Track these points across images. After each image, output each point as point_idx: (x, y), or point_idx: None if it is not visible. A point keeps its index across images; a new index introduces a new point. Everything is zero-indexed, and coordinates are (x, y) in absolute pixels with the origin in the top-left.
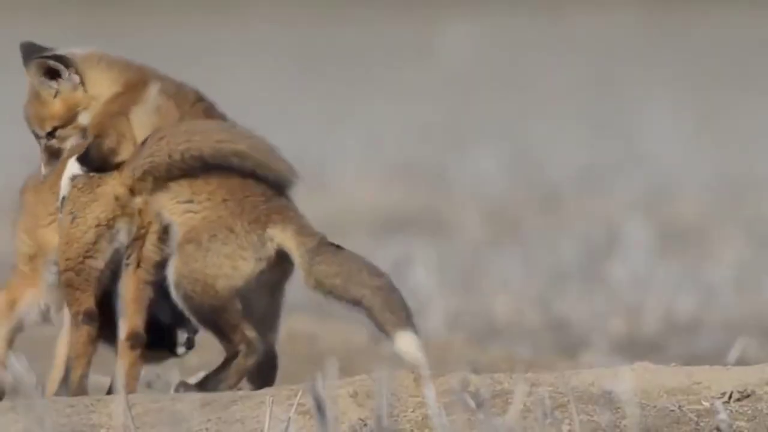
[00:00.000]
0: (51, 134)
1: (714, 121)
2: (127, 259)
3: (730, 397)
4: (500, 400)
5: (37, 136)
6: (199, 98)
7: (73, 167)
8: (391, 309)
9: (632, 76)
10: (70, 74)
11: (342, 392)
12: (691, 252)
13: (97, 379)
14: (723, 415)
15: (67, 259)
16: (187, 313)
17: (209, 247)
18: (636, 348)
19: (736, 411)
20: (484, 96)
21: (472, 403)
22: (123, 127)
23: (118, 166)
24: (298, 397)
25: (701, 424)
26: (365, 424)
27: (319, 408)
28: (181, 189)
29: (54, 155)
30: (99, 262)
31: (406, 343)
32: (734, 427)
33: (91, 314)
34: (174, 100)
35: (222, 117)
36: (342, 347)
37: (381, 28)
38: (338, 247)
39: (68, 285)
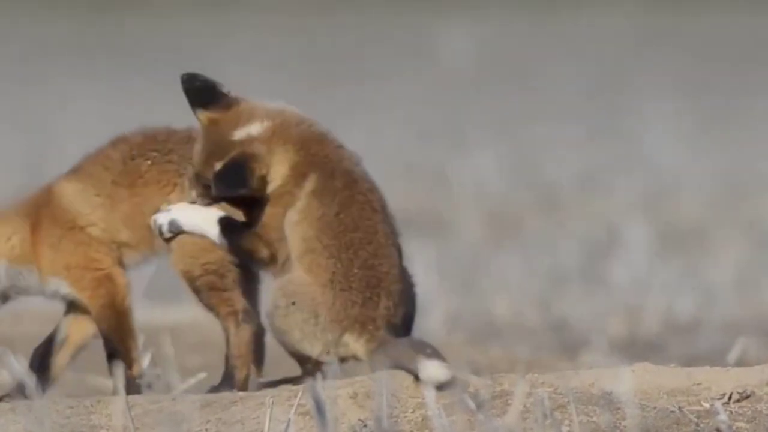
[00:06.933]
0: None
1: (714, 121)
2: None
3: (730, 398)
4: (500, 401)
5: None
6: (352, 180)
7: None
8: (416, 349)
9: (632, 76)
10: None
11: (342, 393)
12: (691, 252)
13: (97, 379)
14: (723, 416)
15: (204, 264)
16: None
17: (289, 312)
18: (636, 348)
19: (736, 412)
20: (484, 96)
21: (472, 404)
22: (275, 236)
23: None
24: (298, 397)
25: (701, 425)
26: (365, 425)
27: (319, 409)
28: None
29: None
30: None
31: (428, 370)
32: (734, 428)
33: (248, 312)
34: (318, 198)
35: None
36: None
37: (381, 28)
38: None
39: (211, 288)
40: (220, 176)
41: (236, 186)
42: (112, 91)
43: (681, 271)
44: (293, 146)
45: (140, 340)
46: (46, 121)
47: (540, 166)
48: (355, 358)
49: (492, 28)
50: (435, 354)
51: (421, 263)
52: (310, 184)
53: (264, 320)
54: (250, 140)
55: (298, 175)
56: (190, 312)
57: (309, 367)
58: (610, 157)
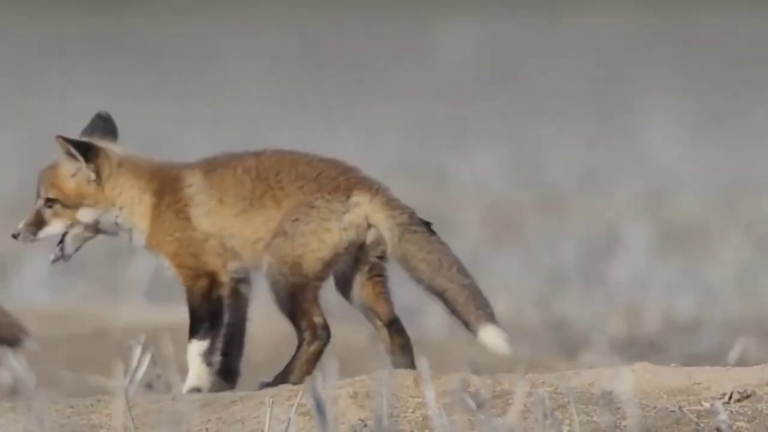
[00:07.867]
0: (49, 202)
1: (714, 121)
2: None
3: (730, 397)
4: (500, 401)
5: (38, 196)
6: (224, 155)
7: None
8: (477, 305)
9: (633, 76)
10: (86, 168)
11: (342, 393)
12: (691, 252)
13: (97, 379)
14: (723, 416)
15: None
16: (272, 298)
17: (294, 232)
18: (636, 348)
19: (736, 411)
20: (484, 96)
21: (473, 404)
22: (198, 249)
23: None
24: (298, 397)
25: (701, 424)
26: (365, 425)
27: (319, 408)
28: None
29: (38, 224)
30: None
31: (491, 335)
32: (734, 427)
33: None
34: (206, 177)
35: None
36: (342, 347)
37: (381, 28)
38: (431, 230)
39: None
40: (70, 139)
41: (79, 146)
42: (112, 91)
43: (681, 271)
44: (144, 175)
45: (141, 339)
46: (46, 121)
47: (540, 166)
48: (375, 224)
49: (492, 28)
50: (495, 320)
51: None
52: (189, 178)
53: (274, 280)
54: (103, 148)
55: (166, 188)
56: None
57: (304, 325)
58: (610, 157)
